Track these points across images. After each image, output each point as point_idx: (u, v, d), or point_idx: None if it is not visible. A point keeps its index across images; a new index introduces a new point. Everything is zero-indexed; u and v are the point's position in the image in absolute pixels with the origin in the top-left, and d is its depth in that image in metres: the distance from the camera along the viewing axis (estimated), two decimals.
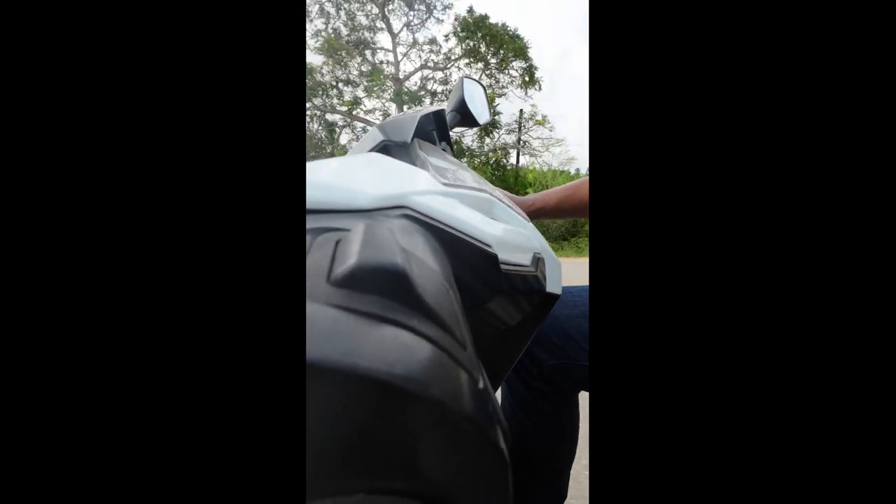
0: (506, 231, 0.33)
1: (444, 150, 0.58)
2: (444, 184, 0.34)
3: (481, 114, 0.71)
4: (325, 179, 0.25)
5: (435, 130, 0.59)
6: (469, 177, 0.44)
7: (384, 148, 0.44)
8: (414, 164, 0.39)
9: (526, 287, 0.32)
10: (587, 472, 0.97)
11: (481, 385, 0.15)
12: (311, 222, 0.20)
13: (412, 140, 0.45)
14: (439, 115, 0.59)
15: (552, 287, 0.36)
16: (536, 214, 0.72)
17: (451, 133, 0.64)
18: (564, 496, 0.64)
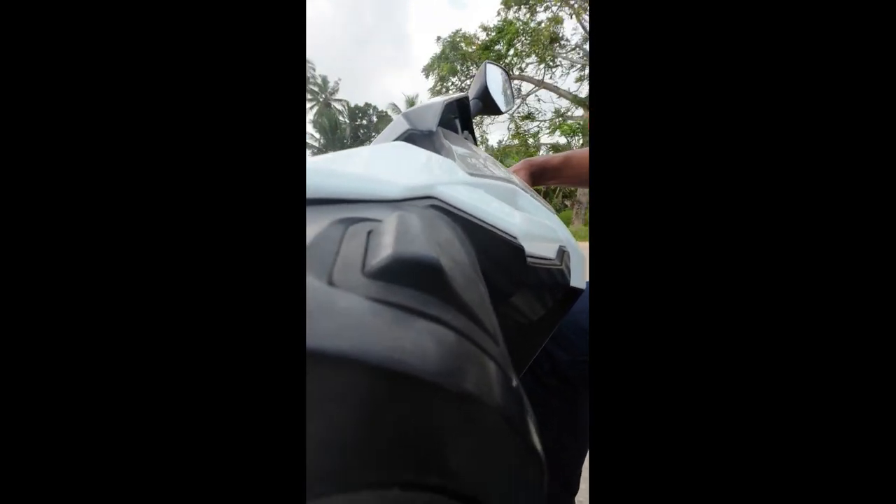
0: (531, 222, 0.33)
1: (466, 138, 0.58)
2: (470, 173, 0.33)
3: (503, 101, 0.70)
4: (352, 169, 0.24)
5: (457, 119, 0.58)
6: (493, 166, 0.43)
7: (409, 137, 0.44)
8: (439, 153, 0.38)
9: (551, 281, 0.31)
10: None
11: (514, 383, 0.14)
12: (340, 213, 0.20)
13: (436, 129, 0.45)
14: (462, 103, 0.58)
15: (576, 281, 0.36)
16: (540, 171, 0.74)
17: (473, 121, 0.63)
18: (575, 491, 0.64)
